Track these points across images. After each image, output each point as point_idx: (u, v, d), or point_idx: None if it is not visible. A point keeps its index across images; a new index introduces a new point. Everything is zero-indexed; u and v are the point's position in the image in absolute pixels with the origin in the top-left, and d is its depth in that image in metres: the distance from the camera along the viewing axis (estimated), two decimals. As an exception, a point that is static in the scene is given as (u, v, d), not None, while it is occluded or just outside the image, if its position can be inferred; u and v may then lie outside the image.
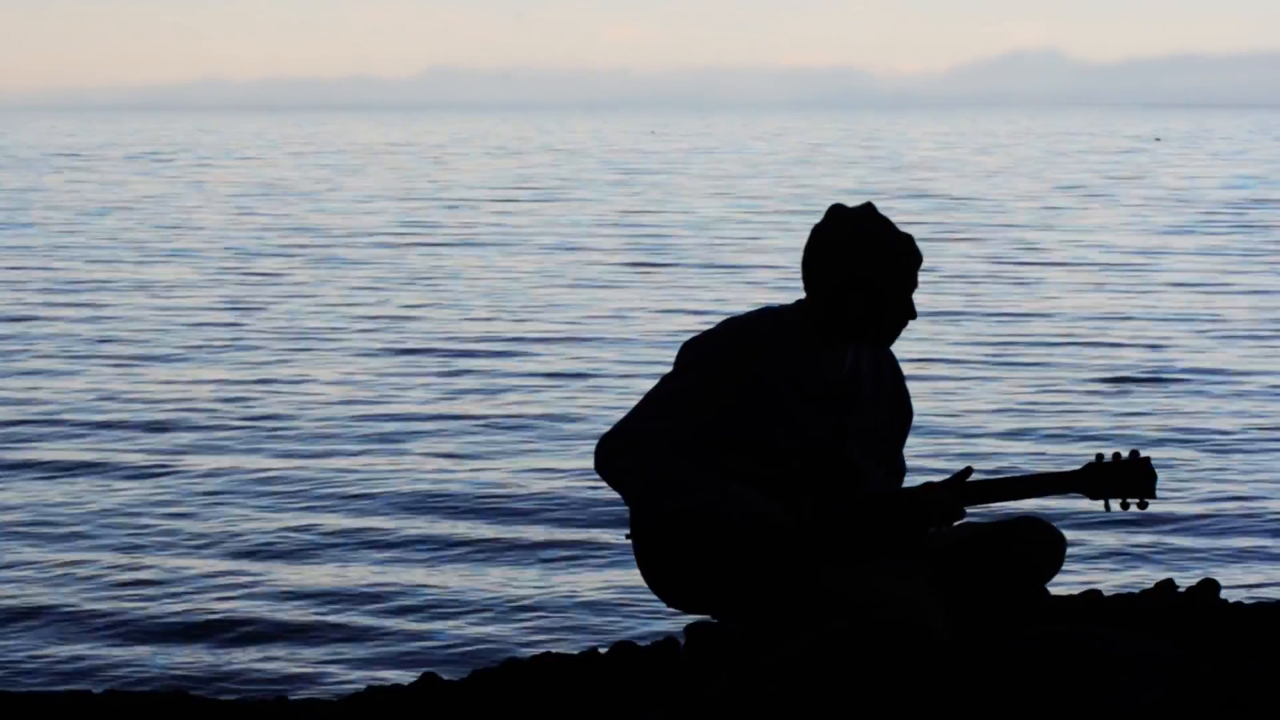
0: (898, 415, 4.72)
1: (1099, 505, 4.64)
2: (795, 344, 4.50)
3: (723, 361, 4.46)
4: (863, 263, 4.45)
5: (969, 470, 4.60)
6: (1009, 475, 4.67)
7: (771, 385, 4.46)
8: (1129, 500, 4.60)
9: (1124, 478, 4.60)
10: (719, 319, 4.64)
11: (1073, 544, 4.70)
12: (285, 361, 16.51)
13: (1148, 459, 4.61)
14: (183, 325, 19.00)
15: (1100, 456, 4.62)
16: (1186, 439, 12.59)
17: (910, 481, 4.80)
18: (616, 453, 4.45)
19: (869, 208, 4.52)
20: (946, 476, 4.66)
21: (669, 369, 4.55)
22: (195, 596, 8.84)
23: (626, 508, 4.57)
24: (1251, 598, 6.79)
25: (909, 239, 4.51)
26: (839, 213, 4.51)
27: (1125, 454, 4.63)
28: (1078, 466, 4.68)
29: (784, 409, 4.47)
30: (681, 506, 4.41)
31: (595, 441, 4.52)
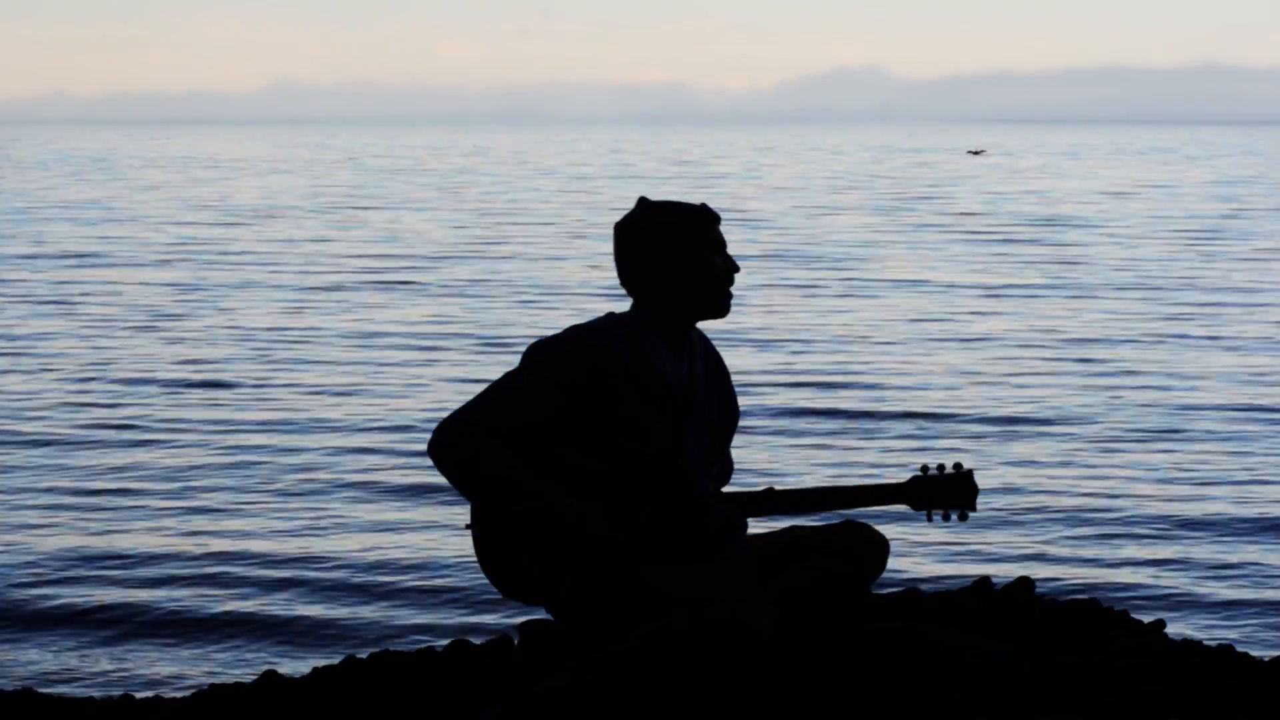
0: (726, 414, 4.80)
1: (922, 516, 4.69)
2: (637, 348, 4.59)
3: (566, 363, 4.53)
4: (671, 244, 4.58)
5: (771, 490, 4.65)
6: (832, 486, 4.71)
7: (615, 388, 4.55)
8: (950, 512, 4.67)
9: (947, 490, 4.66)
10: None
11: (892, 544, 4.82)
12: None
13: (970, 472, 4.69)
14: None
15: (925, 468, 4.69)
16: (996, 447, 12.89)
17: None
18: (452, 443, 4.51)
19: (649, 201, 4.66)
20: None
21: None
22: (41, 594, 8.78)
23: (463, 499, 4.66)
24: (1065, 596, 7.00)
25: (701, 205, 4.66)
26: (630, 216, 4.64)
27: (949, 467, 4.70)
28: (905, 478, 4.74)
29: (627, 412, 4.55)
30: (517, 509, 4.48)
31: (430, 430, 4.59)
